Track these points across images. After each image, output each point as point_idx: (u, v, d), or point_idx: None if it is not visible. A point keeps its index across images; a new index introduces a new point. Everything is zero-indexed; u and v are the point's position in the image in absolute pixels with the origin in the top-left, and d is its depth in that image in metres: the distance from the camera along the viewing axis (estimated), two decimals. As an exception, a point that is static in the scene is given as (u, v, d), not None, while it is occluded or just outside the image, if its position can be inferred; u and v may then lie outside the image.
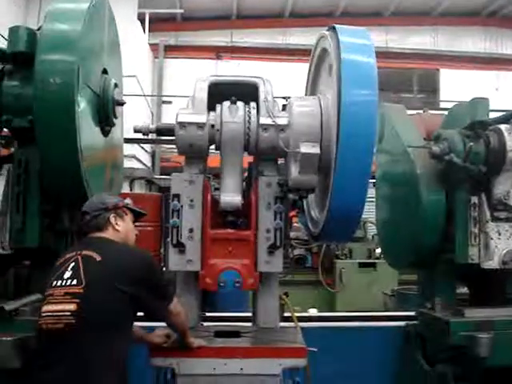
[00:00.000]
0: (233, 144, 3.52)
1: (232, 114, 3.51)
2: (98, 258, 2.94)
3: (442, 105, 16.08)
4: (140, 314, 3.08)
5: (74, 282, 2.87)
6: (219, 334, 3.65)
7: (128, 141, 7.91)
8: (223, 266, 3.46)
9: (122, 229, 3.23)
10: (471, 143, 4.10)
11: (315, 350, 3.48)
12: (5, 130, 3.94)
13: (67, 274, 2.92)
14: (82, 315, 2.79)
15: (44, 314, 2.89)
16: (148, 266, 3.06)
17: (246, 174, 3.88)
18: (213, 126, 3.50)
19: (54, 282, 2.94)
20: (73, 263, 2.96)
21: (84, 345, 2.76)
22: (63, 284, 2.90)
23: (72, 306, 2.80)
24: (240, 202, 3.53)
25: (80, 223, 3.27)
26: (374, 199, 5.34)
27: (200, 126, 3.49)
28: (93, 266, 2.92)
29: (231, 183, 3.56)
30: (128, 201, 3.37)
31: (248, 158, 3.86)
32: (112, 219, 3.19)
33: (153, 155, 16.40)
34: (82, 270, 2.90)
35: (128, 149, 10.36)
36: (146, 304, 3.01)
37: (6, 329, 3.41)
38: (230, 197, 3.53)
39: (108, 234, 3.17)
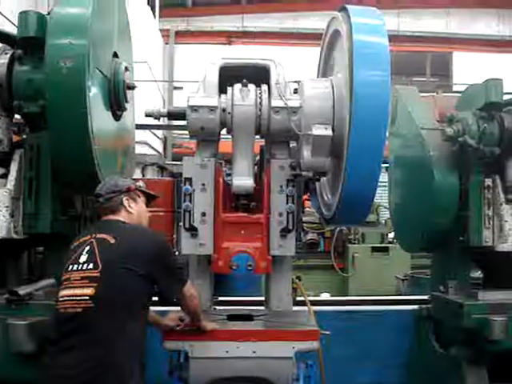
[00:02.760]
0: (244, 127, 3.50)
1: (243, 97, 3.49)
2: (113, 241, 2.95)
3: (455, 88, 15.96)
4: (154, 298, 3.09)
5: (91, 265, 2.89)
6: (232, 317, 3.66)
7: (139, 127, 7.90)
8: (236, 250, 3.45)
9: (135, 211, 3.23)
10: (485, 125, 4.07)
11: (328, 333, 3.48)
12: (16, 116, 3.94)
13: (83, 258, 2.94)
14: (99, 299, 2.80)
15: (62, 299, 2.90)
16: (162, 247, 3.07)
17: (258, 158, 3.87)
18: (224, 109, 3.49)
19: (70, 267, 2.95)
20: (88, 247, 2.98)
21: (103, 328, 2.78)
22: (79, 268, 2.91)
23: (90, 290, 2.82)
24: (252, 186, 3.52)
25: (93, 206, 3.28)
26: (386, 184, 5.31)
27: (211, 109, 3.48)
28: (108, 249, 2.93)
29: (243, 166, 3.55)
30: (141, 183, 3.38)
31: (260, 143, 3.85)
32: (125, 202, 3.20)
33: (164, 141, 16.40)
34: (97, 254, 2.92)
35: (140, 135, 10.37)
36: (161, 286, 3.02)
37: (19, 313, 3.43)
38: (242, 180, 3.52)
39: (121, 216, 3.17)
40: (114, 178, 3.38)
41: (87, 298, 2.80)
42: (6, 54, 3.79)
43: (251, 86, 3.52)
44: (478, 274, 4.83)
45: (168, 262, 3.06)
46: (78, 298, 2.83)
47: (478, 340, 3.95)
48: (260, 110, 3.47)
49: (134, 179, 3.66)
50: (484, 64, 17.42)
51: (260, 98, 3.49)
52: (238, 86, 3.51)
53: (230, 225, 3.50)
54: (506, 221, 4.14)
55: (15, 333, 3.32)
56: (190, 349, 3.29)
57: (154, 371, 3.44)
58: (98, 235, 3.01)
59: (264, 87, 3.55)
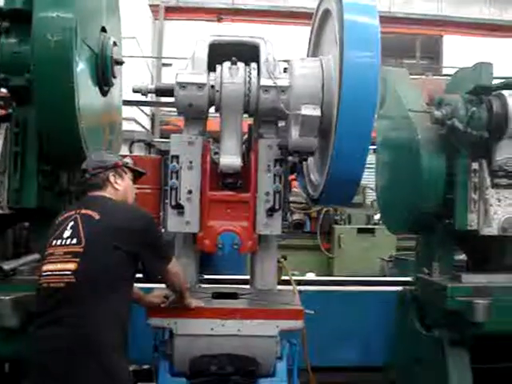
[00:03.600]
0: (233, 105, 3.49)
1: (232, 75, 3.47)
2: (97, 217, 2.94)
3: (445, 71, 15.93)
4: (139, 275, 3.08)
5: (74, 241, 2.87)
6: (217, 295, 3.67)
7: (127, 103, 7.84)
8: (222, 228, 3.46)
9: (122, 188, 3.21)
10: (474, 108, 4.06)
11: (312, 312, 3.50)
12: (2, 90, 3.90)
13: (67, 233, 2.92)
14: (82, 274, 2.79)
15: (45, 274, 2.89)
16: (147, 224, 3.05)
17: (246, 137, 3.86)
18: (212, 86, 3.47)
19: (54, 242, 2.95)
20: (72, 222, 2.96)
21: (85, 303, 2.78)
22: (63, 243, 2.90)
23: (72, 265, 2.81)
24: (239, 164, 3.51)
25: (79, 181, 3.26)
26: (373, 165, 5.32)
27: (200, 86, 3.45)
28: (92, 224, 2.92)
29: (231, 145, 3.53)
30: (128, 160, 3.35)
31: (248, 122, 3.83)
32: (111, 178, 3.17)
33: (152, 118, 16.31)
34: (81, 229, 2.90)
35: (127, 111, 10.29)
36: (145, 262, 3.02)
37: (3, 288, 3.42)
38: (230, 159, 3.51)
39: (107, 192, 3.15)
40: (100, 154, 3.36)
41: (69, 273, 2.80)
42: (-8, 26, 3.74)
43: (240, 64, 3.49)
44: (462, 256, 4.87)
45: (153, 238, 3.05)
46: (61, 272, 2.82)
47: (461, 322, 3.98)
48: (249, 89, 3.45)
49: (121, 156, 3.64)
50: (474, 48, 17.38)
51: (249, 76, 3.47)
52: (227, 63, 3.49)
53: (217, 203, 3.50)
54: (491, 205, 4.14)
55: (-1, 308, 3.31)
56: (175, 326, 3.31)
57: (139, 348, 3.45)
58: (83, 211, 2.99)
59: (253, 65, 3.53)
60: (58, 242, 2.93)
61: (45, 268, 2.92)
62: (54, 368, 2.73)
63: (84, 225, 2.92)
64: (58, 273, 2.83)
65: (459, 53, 17.20)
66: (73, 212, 3.03)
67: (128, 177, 3.30)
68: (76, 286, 2.78)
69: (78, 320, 2.76)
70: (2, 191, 3.64)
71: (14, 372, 3.66)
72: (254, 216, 3.53)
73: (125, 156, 3.77)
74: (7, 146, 3.68)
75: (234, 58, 3.47)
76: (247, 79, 3.46)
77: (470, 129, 4.04)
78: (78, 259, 2.82)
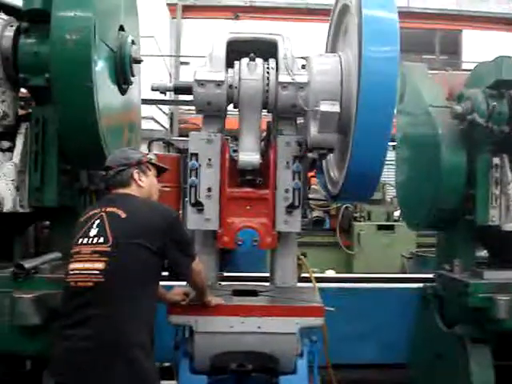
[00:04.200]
0: (251, 102, 3.48)
1: (250, 71, 3.46)
2: (123, 215, 2.94)
3: (464, 66, 15.79)
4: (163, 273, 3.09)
5: (101, 239, 2.88)
6: (237, 292, 3.67)
7: (146, 101, 7.86)
8: (241, 225, 3.46)
9: (146, 184, 3.20)
10: (494, 103, 4.02)
11: (332, 309, 3.48)
12: (22, 90, 3.92)
13: (93, 232, 2.93)
14: (110, 273, 2.80)
15: (72, 272, 2.90)
16: (173, 222, 3.04)
17: (264, 134, 3.85)
18: (231, 84, 3.46)
19: (80, 240, 2.95)
20: (98, 220, 2.96)
21: (113, 302, 2.79)
22: (90, 242, 2.90)
23: (100, 265, 2.81)
24: (258, 161, 3.50)
25: (103, 178, 3.26)
26: (393, 162, 5.28)
27: (218, 83, 3.45)
28: (118, 223, 2.92)
29: (249, 142, 3.53)
30: (151, 156, 3.35)
31: (267, 119, 3.82)
32: (135, 175, 3.16)
33: (171, 117, 16.34)
34: (107, 228, 2.91)
35: (146, 110, 10.31)
36: (171, 260, 3.02)
37: (25, 286, 3.44)
38: (249, 156, 3.50)
39: (131, 189, 3.15)
40: (124, 151, 3.36)
41: (98, 272, 2.80)
42: (12, 26, 3.76)
43: (258, 61, 3.49)
44: (483, 253, 4.82)
45: (179, 236, 3.04)
46: (89, 272, 2.82)
47: (482, 319, 3.94)
48: (267, 85, 3.44)
49: (145, 152, 3.64)
50: (494, 42, 17.20)
51: (267, 72, 3.46)
52: (245, 60, 3.48)
53: (236, 200, 3.50)
54: (514, 200, 4.11)
55: (21, 306, 3.33)
56: (195, 323, 3.31)
57: (160, 346, 3.46)
58: (109, 209, 2.99)
59: (272, 62, 3.52)
60: (85, 240, 2.93)
61: (72, 266, 2.92)
62: (81, 368, 2.74)
63: (110, 223, 2.92)
64: (86, 272, 2.84)
65: (479, 47, 17.01)
66: (98, 210, 3.03)
67: (152, 174, 3.29)
68: (104, 285, 2.79)
69: (107, 320, 2.76)
70: (23, 190, 3.67)
71: (36, 370, 3.68)
72: (274, 212, 3.53)
73: (147, 153, 3.78)
74: (27, 146, 3.70)
75: (252, 54, 3.46)
76: (266, 75, 3.45)
77: (491, 123, 4.00)
78: (106, 258, 2.82)
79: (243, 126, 3.55)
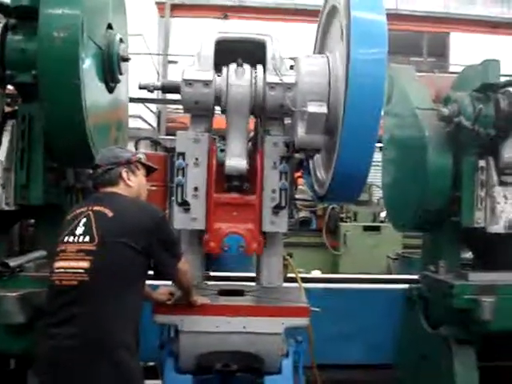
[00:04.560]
0: (239, 108, 3.48)
1: (238, 77, 3.46)
2: (110, 214, 2.92)
3: (452, 69, 15.88)
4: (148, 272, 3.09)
5: (87, 238, 2.87)
6: (223, 292, 3.67)
7: (133, 100, 7.84)
8: (227, 231, 3.46)
9: (134, 184, 3.19)
10: (481, 106, 4.04)
11: (318, 310, 3.49)
12: (9, 86, 3.90)
13: (79, 230, 2.91)
14: (95, 272, 2.79)
15: (57, 270, 2.89)
16: (159, 222, 3.03)
17: (252, 134, 3.86)
18: (218, 93, 3.45)
19: (66, 238, 2.93)
20: (84, 219, 2.95)
21: (98, 301, 2.78)
22: (75, 240, 2.89)
23: (85, 264, 2.80)
24: (245, 167, 3.50)
25: (91, 176, 3.24)
26: (379, 163, 5.30)
27: (206, 83, 3.45)
28: (105, 222, 2.91)
29: (237, 147, 3.52)
30: (141, 155, 3.33)
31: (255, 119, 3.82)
32: (124, 174, 3.15)
33: (158, 115, 16.30)
34: (94, 227, 2.89)
35: (133, 109, 10.27)
36: (157, 260, 3.01)
37: (10, 285, 3.42)
38: (236, 161, 3.50)
39: (120, 189, 3.13)
40: (113, 149, 3.34)
41: (83, 271, 2.79)
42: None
43: (246, 66, 3.48)
44: (468, 254, 4.85)
45: (165, 236, 3.04)
46: (74, 270, 2.81)
47: (467, 320, 3.96)
48: (255, 91, 3.44)
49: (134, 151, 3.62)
50: (481, 45, 17.30)
51: (255, 78, 3.46)
52: (233, 66, 3.48)
53: (223, 206, 3.50)
54: (499, 202, 4.13)
55: (5, 305, 3.30)
56: (181, 323, 3.31)
57: (145, 345, 3.45)
58: (96, 207, 2.98)
59: (259, 68, 3.52)
60: (71, 238, 2.91)
61: (57, 265, 2.91)
62: (66, 366, 2.73)
63: (97, 222, 2.91)
64: (70, 270, 2.83)
65: (466, 50, 17.11)
66: (85, 208, 3.02)
67: (141, 173, 3.27)
68: (89, 284, 2.78)
69: (91, 319, 2.76)
70: (9, 188, 3.64)
71: (20, 368, 3.66)
72: (260, 218, 3.53)
73: (136, 152, 3.76)
74: (13, 143, 3.68)
75: (239, 60, 3.46)
76: (253, 81, 3.45)
77: (477, 126, 4.03)
78: (91, 257, 2.81)
79: (231, 131, 3.54)
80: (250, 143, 3.74)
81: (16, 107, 3.91)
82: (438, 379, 4.27)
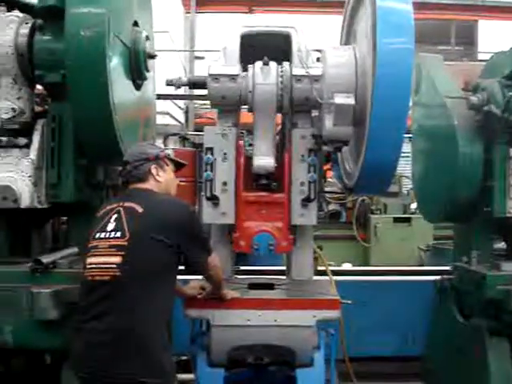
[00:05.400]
0: (265, 107, 3.48)
1: (264, 76, 3.45)
2: (140, 210, 2.94)
3: (480, 57, 15.64)
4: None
5: (118, 234, 2.89)
6: (253, 286, 3.68)
7: (161, 97, 7.88)
8: (257, 229, 3.46)
9: (163, 180, 3.19)
10: (511, 93, 3.98)
11: (349, 302, 3.49)
12: (38, 86, 3.95)
13: (110, 226, 2.94)
14: (127, 267, 2.81)
15: (89, 266, 2.92)
16: (189, 217, 3.06)
17: (279, 128, 3.85)
18: (245, 92, 3.45)
19: (98, 234, 2.96)
20: (115, 215, 2.97)
21: (130, 296, 2.80)
22: (107, 236, 2.92)
23: (117, 259, 2.83)
24: (273, 165, 3.50)
25: (121, 173, 3.27)
26: (409, 154, 5.26)
27: (232, 77, 3.46)
28: (135, 217, 2.92)
29: (264, 146, 3.52)
30: (169, 151, 3.34)
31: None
32: (153, 170, 3.15)
33: (186, 111, 16.35)
34: (125, 222, 2.91)
35: (161, 105, 10.33)
36: (188, 255, 3.01)
37: (43, 281, 3.46)
38: (263, 160, 3.50)
39: (149, 184, 3.14)
40: (142, 146, 3.37)
41: (114, 266, 2.82)
42: (27, 23, 3.78)
43: (272, 64, 3.47)
44: (501, 244, 4.79)
45: (195, 232, 3.05)
46: (106, 266, 2.84)
47: (500, 311, 3.93)
48: (282, 89, 3.43)
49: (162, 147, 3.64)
50: (510, 32, 17.02)
51: (281, 76, 3.45)
52: (259, 63, 3.47)
53: (251, 204, 3.51)
54: (531, 191, 4.08)
55: (39, 301, 3.35)
56: (212, 317, 3.33)
57: (177, 339, 3.48)
58: (126, 204, 3.00)
59: (286, 64, 3.51)
60: (102, 234, 2.94)
61: (89, 261, 2.94)
62: (100, 361, 2.76)
63: (128, 218, 2.93)
64: (102, 266, 2.86)
65: (494, 37, 16.82)
66: (115, 205, 3.04)
67: (170, 169, 3.28)
68: (121, 279, 2.80)
69: (124, 313, 2.78)
70: (40, 186, 3.69)
71: (55, 363, 3.72)
72: (289, 216, 3.53)
73: (166, 147, 3.79)
74: (44, 142, 3.73)
75: (265, 59, 3.45)
76: (279, 79, 3.44)
77: (508, 114, 3.97)
78: (122, 252, 2.84)
79: (258, 130, 3.54)
80: (277, 137, 3.73)
81: (46, 107, 3.96)
82: (471, 371, 4.23)
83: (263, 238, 3.46)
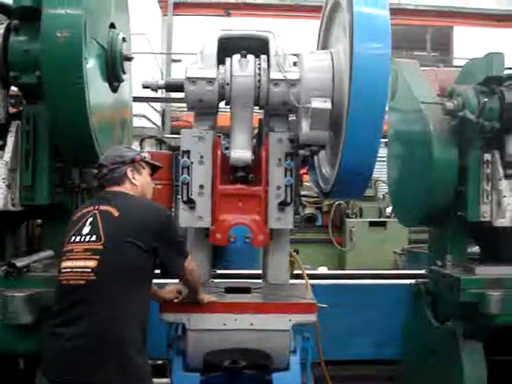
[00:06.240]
0: (243, 98, 3.48)
1: (242, 68, 3.46)
2: (116, 213, 2.93)
3: (456, 63, 15.82)
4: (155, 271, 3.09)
5: (93, 238, 2.87)
6: (229, 290, 3.67)
7: (137, 99, 7.85)
8: (234, 222, 3.45)
9: (139, 183, 3.18)
10: (485, 99, 4.03)
11: (325, 306, 3.50)
12: (13, 88, 3.90)
13: (86, 230, 2.92)
14: (102, 271, 2.79)
15: (64, 270, 2.89)
16: (165, 220, 3.04)
17: (256, 131, 3.85)
18: (222, 83, 3.45)
19: (73, 238, 2.94)
20: (91, 218, 2.95)
21: (105, 300, 2.79)
22: (82, 240, 2.90)
23: (92, 263, 2.80)
24: (250, 158, 3.50)
25: (96, 176, 3.25)
26: (385, 158, 5.29)
27: (209, 80, 3.45)
28: (111, 221, 2.91)
29: (241, 139, 3.53)
30: (145, 154, 3.33)
31: (258, 116, 3.82)
32: (129, 173, 3.15)
33: (163, 114, 16.30)
34: (100, 226, 2.90)
35: (138, 108, 10.29)
36: (163, 259, 3.00)
37: (17, 285, 3.42)
38: (240, 152, 3.50)
39: (125, 188, 3.13)
40: (118, 149, 3.35)
41: (89, 270, 2.79)
42: (2, 24, 3.73)
43: (250, 57, 3.48)
44: (475, 248, 4.84)
45: (172, 236, 3.05)
46: (81, 270, 2.82)
47: (474, 315, 3.95)
48: (259, 81, 3.44)
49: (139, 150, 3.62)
50: (485, 38, 17.23)
51: (259, 68, 3.46)
52: (236, 56, 3.47)
53: (228, 197, 3.50)
54: (505, 196, 4.11)
55: (13, 305, 3.31)
56: (188, 321, 3.31)
57: (153, 343, 3.45)
58: (102, 207, 2.98)
59: (263, 58, 3.52)
60: (77, 238, 2.92)
61: (64, 265, 2.91)
62: (74, 366, 2.73)
63: (103, 221, 2.91)
64: (77, 270, 2.83)
65: (470, 44, 17.04)
66: (91, 208, 3.02)
67: (146, 172, 3.27)
68: (96, 283, 2.78)
69: (99, 318, 2.76)
70: (14, 188, 3.64)
71: (29, 368, 3.67)
72: (266, 210, 3.53)
73: (141, 151, 3.77)
74: (18, 144, 3.68)
75: (243, 52, 3.46)
76: (257, 71, 3.45)
77: (482, 120, 4.01)
78: (98, 256, 2.81)
79: (235, 122, 3.55)
80: (254, 140, 3.73)
81: (20, 108, 3.91)
82: (445, 374, 4.26)
83: (240, 230, 3.45)
